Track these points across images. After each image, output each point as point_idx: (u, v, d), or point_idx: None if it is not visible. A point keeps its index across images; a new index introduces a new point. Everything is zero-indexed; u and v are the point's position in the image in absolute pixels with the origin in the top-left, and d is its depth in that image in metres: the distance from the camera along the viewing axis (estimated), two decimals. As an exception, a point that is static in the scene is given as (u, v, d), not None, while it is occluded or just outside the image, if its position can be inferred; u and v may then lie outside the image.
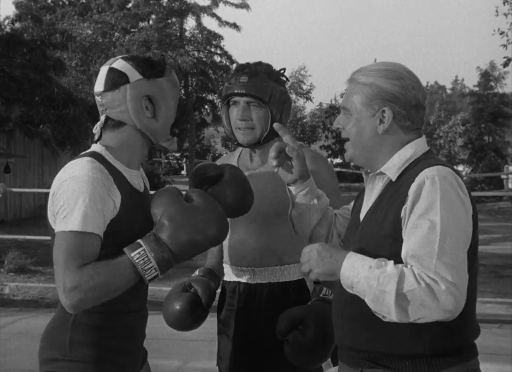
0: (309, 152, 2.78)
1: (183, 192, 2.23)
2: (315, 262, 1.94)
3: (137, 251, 2.06)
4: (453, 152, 34.10)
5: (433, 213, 1.87)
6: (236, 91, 2.69)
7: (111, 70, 2.22)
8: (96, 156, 2.19)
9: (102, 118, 2.25)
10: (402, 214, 1.92)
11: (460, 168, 35.88)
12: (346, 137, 2.11)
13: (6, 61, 17.41)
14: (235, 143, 2.80)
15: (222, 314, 2.83)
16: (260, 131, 2.73)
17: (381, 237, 1.97)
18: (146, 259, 2.06)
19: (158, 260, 2.06)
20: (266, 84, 2.70)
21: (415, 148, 2.05)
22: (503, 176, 31.07)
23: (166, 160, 41.33)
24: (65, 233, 2.07)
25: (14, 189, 10.81)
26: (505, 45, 18.51)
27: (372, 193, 2.12)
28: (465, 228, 1.91)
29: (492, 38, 18.86)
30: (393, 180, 2.03)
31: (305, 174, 2.23)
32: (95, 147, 2.25)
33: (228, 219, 2.68)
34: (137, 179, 2.31)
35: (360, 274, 1.86)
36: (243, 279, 2.77)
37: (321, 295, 2.66)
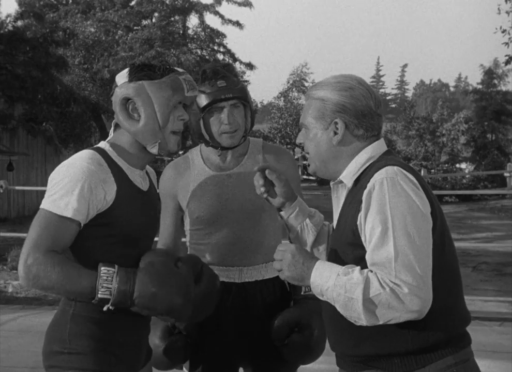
0: (272, 148, 2.86)
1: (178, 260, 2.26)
2: (287, 265, 2.02)
3: (108, 268, 2.12)
4: (456, 149, 34.07)
5: (383, 216, 1.91)
6: (222, 97, 2.67)
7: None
8: (99, 150, 2.29)
9: (113, 121, 2.38)
10: (358, 221, 1.97)
11: (463, 166, 35.90)
12: (307, 151, 2.19)
13: (9, 59, 17.42)
14: (218, 148, 2.74)
15: None
16: (243, 131, 2.75)
17: (345, 245, 2.03)
18: (109, 278, 2.10)
19: (118, 287, 2.10)
20: (240, 84, 2.73)
21: (370, 152, 2.10)
22: (506, 174, 31.04)
23: (169, 158, 41.36)
24: (46, 212, 2.16)
25: (17, 187, 10.84)
26: (506, 43, 18.51)
27: (338, 202, 2.19)
28: (420, 224, 1.93)
29: (495, 36, 18.89)
30: (349, 186, 2.09)
31: (290, 195, 2.31)
32: (101, 143, 2.36)
33: (210, 221, 2.71)
34: (139, 177, 2.37)
35: (328, 281, 1.93)
36: (227, 279, 2.75)
37: (302, 293, 2.71)
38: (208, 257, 2.77)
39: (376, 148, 2.11)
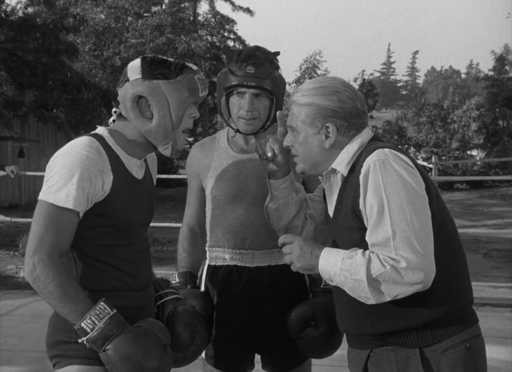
0: None
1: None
2: (297, 257, 2.09)
3: (107, 307, 2.11)
4: (467, 136, 33.91)
5: (379, 197, 1.98)
6: (245, 83, 2.66)
7: (126, 68, 2.31)
8: (96, 137, 2.25)
9: (116, 112, 2.32)
10: (361, 206, 2.03)
11: (474, 152, 35.75)
12: (295, 154, 2.22)
13: (19, 46, 17.44)
14: (235, 130, 2.76)
15: (216, 300, 2.78)
16: (263, 120, 2.73)
17: (349, 231, 2.08)
18: (101, 316, 2.09)
19: (102, 328, 2.08)
20: (272, 75, 2.69)
21: (360, 140, 2.15)
22: (517, 161, 30.90)
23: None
24: (47, 204, 2.14)
25: (28, 173, 10.85)
26: (519, 29, 18.38)
27: (332, 190, 2.22)
28: (415, 200, 1.98)
29: (507, 21, 18.74)
30: (345, 175, 2.13)
31: (286, 169, 2.38)
32: (99, 129, 2.31)
33: (226, 201, 2.73)
34: (136, 166, 2.34)
35: (335, 267, 2.01)
36: (240, 263, 2.76)
37: (322, 286, 2.72)
38: (222, 238, 2.77)
39: (364, 136, 2.17)
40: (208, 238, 2.86)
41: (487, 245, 12.84)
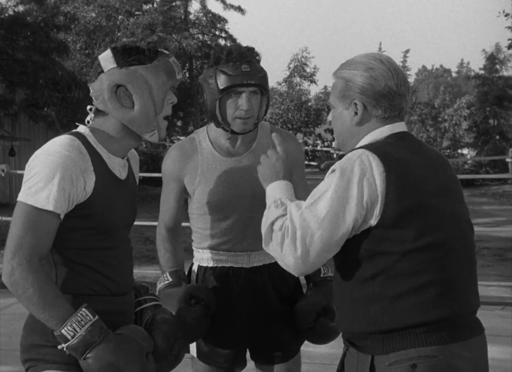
0: (279, 132, 2.81)
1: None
2: (267, 168, 2.25)
3: (88, 313, 2.04)
4: (458, 135, 34.00)
5: (325, 188, 1.99)
6: (245, 82, 2.61)
7: (97, 60, 2.23)
8: (78, 135, 2.18)
9: (92, 109, 2.25)
10: None
11: (465, 151, 35.84)
12: (334, 130, 2.24)
13: (10, 44, 17.40)
14: (229, 132, 2.70)
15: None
16: (256, 118, 2.70)
17: None
18: (82, 323, 2.02)
19: (84, 336, 2.02)
20: (263, 71, 2.68)
21: (376, 135, 2.10)
22: (508, 159, 30.91)
23: (170, 144, 41.34)
24: (26, 206, 2.07)
25: (19, 172, 10.79)
26: (509, 27, 18.42)
27: None
28: (341, 218, 1.96)
29: (498, 20, 18.79)
30: None
31: None
32: (80, 128, 2.24)
33: (220, 207, 2.71)
34: (119, 166, 2.27)
35: (270, 199, 2.16)
36: (236, 264, 2.75)
37: (321, 275, 2.75)
38: (216, 243, 2.75)
39: (385, 131, 2.10)
40: (197, 239, 2.84)
41: (478, 244, 12.84)
